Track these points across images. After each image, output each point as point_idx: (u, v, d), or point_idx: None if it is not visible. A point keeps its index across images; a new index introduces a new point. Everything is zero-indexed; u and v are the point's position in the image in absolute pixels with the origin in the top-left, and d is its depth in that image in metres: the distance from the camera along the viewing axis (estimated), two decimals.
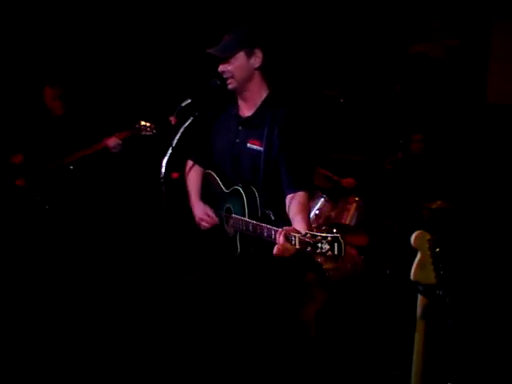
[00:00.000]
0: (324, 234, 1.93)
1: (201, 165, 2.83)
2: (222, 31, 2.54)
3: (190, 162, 2.84)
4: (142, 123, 4.01)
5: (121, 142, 4.06)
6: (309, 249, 1.97)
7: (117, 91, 5.23)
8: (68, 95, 4.34)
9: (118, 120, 4.35)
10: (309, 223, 2.34)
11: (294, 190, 2.42)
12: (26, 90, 4.63)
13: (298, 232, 2.07)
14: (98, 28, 5.19)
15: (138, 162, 5.09)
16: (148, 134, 4.03)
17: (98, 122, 4.34)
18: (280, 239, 2.11)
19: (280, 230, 2.14)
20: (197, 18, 5.41)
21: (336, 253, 1.90)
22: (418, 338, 1.76)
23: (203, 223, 2.66)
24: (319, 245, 1.93)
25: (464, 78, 5.79)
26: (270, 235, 2.22)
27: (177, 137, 2.41)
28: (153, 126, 4.02)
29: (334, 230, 1.90)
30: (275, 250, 2.14)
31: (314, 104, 5.07)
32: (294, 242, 2.05)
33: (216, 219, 2.65)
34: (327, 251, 1.91)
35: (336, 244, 1.90)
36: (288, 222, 2.34)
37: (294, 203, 2.39)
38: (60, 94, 4.30)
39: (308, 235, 1.98)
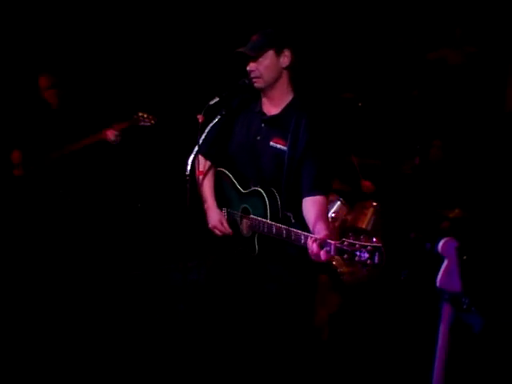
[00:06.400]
0: (363, 243, 1.91)
1: (213, 161, 2.72)
2: (244, 32, 2.54)
3: (202, 160, 2.71)
4: (140, 114, 3.96)
5: (119, 133, 4.02)
6: (345, 256, 1.95)
7: (116, 82, 5.23)
8: (62, 84, 4.30)
9: (116, 111, 4.31)
10: (330, 230, 2.29)
11: (314, 194, 2.39)
12: (22, 84, 4.60)
13: (333, 239, 2.05)
14: (100, 20, 5.19)
15: (140, 153, 5.10)
16: (147, 124, 3.99)
17: (95, 112, 4.31)
18: (314, 247, 2.09)
19: (312, 236, 2.13)
20: (220, 19, 5.41)
21: (376, 262, 1.88)
22: (440, 345, 1.75)
23: (216, 231, 2.61)
24: (357, 253, 1.91)
25: (482, 85, 5.76)
26: (298, 240, 2.20)
27: (203, 135, 2.41)
28: (151, 117, 3.98)
29: (374, 240, 1.87)
30: (310, 256, 2.13)
31: (333, 107, 5.06)
32: (329, 250, 2.04)
33: (229, 230, 2.59)
34: (366, 260, 1.88)
35: (377, 253, 1.88)
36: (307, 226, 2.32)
37: (313, 208, 2.35)
38: (53, 82, 4.25)
39: (345, 243, 1.96)
